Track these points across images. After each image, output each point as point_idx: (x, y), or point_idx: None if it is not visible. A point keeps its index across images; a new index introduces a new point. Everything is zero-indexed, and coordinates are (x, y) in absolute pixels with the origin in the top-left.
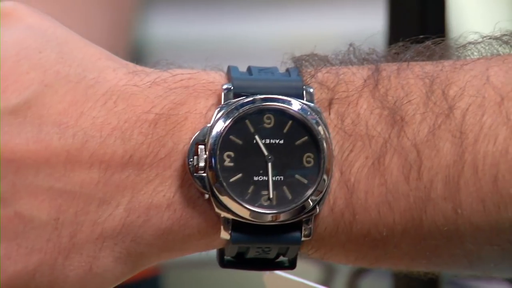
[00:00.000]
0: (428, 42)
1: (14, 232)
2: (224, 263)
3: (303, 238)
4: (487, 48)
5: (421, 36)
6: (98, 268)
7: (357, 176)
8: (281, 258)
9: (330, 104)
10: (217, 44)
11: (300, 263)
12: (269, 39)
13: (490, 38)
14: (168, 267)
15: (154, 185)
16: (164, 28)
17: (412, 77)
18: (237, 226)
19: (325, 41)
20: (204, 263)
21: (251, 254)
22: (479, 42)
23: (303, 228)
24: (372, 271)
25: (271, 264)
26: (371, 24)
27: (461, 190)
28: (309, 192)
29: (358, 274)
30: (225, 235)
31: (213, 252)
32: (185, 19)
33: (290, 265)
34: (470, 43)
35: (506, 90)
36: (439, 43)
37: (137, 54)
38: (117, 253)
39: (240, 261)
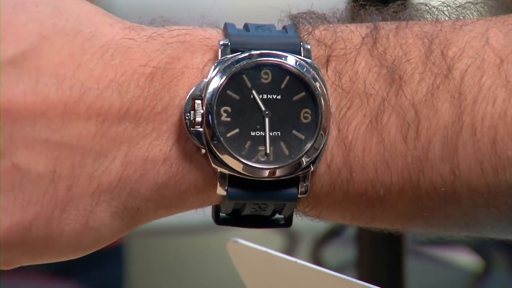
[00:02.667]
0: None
1: (11, 184)
2: (219, 220)
3: (299, 195)
4: (486, 8)
5: None
6: (95, 222)
7: (354, 134)
8: (277, 215)
9: (327, 61)
10: (183, 12)
11: (263, 232)
12: (236, 6)
13: None
14: (131, 236)
15: (151, 139)
16: None
17: (411, 36)
18: (234, 181)
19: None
20: (167, 231)
21: (247, 210)
22: (478, 2)
23: (299, 185)
24: (335, 240)
25: (266, 222)
26: None
27: (459, 152)
28: (306, 147)
29: (321, 243)
30: (221, 191)
31: (175, 219)
32: None
33: (286, 223)
34: (469, 2)
35: (506, 52)
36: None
37: None
38: (114, 207)
39: (236, 218)
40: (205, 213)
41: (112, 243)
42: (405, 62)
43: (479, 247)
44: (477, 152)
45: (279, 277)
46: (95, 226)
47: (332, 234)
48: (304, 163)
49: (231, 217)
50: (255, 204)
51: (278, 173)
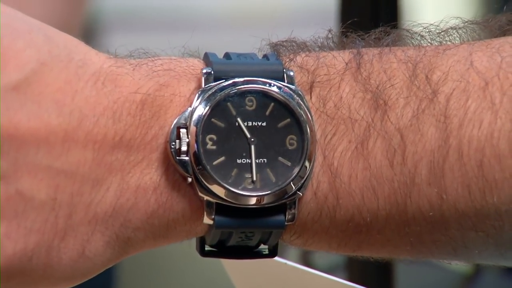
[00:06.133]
0: (403, 28)
1: (15, 211)
2: (204, 252)
3: (286, 223)
4: (468, 33)
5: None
6: (90, 252)
7: (340, 160)
8: (262, 246)
9: (311, 87)
10: (171, 14)
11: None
12: (223, 8)
13: (472, 23)
14: None
15: (142, 167)
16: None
17: (395, 61)
18: (221, 210)
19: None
20: None
21: (233, 240)
22: (460, 27)
23: (287, 212)
24: None
25: (251, 252)
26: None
27: (446, 175)
28: (293, 174)
29: None
30: (207, 220)
31: None
32: None
33: (271, 253)
34: (451, 28)
35: (490, 75)
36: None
37: (92, 26)
38: (107, 237)
39: (221, 250)
40: None
41: None
42: (389, 87)
43: None
44: (464, 175)
45: (269, 279)
46: (91, 255)
47: None
48: (291, 190)
49: (216, 249)
50: (242, 233)
51: (265, 200)
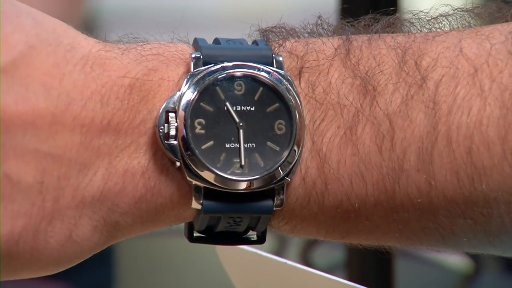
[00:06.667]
0: (397, 15)
1: (1, 194)
2: (193, 238)
3: (275, 208)
4: (458, 20)
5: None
6: (77, 236)
7: (329, 145)
8: (250, 233)
9: (300, 72)
10: (169, 13)
11: (253, 234)
12: (221, 7)
13: (462, 11)
14: None
15: (130, 151)
16: None
17: (384, 47)
18: (209, 194)
19: (275, 9)
20: (157, 233)
21: (221, 226)
22: (450, 15)
23: (275, 197)
24: (324, 242)
25: (240, 239)
26: None
27: (435, 162)
28: (281, 159)
29: (310, 244)
30: (196, 204)
31: None
32: None
33: (259, 240)
34: (441, 15)
35: (480, 62)
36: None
37: (90, 24)
38: (95, 221)
39: (209, 236)
40: None
41: None
42: (378, 72)
43: None
44: (453, 162)
45: (269, 278)
46: (78, 240)
47: None
48: (280, 174)
49: (204, 235)
50: (230, 218)
51: (254, 185)
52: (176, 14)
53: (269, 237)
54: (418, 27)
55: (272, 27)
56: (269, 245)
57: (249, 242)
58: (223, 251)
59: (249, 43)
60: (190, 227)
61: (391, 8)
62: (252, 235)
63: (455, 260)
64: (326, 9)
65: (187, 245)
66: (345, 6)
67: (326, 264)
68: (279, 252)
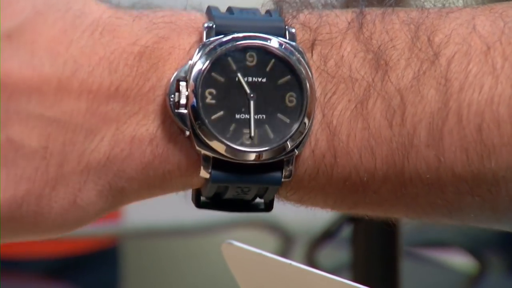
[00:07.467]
0: None
1: (4, 158)
2: (200, 203)
3: (283, 179)
4: None
5: None
6: (82, 200)
7: (339, 118)
8: (257, 200)
9: (312, 45)
10: None
11: (258, 234)
12: None
13: None
14: (125, 237)
15: (138, 118)
16: None
17: (397, 22)
18: (217, 164)
19: None
20: (162, 232)
21: (229, 194)
22: None
23: (283, 169)
24: (330, 242)
25: (247, 206)
26: None
27: (445, 138)
28: (291, 131)
29: (316, 245)
30: (204, 173)
31: (170, 221)
32: None
33: (266, 208)
34: None
35: (493, 40)
36: None
37: None
38: (100, 186)
39: (216, 202)
40: (200, 214)
41: (106, 245)
42: (391, 47)
43: (474, 249)
44: (463, 139)
45: (273, 279)
46: (82, 204)
47: (327, 236)
48: (289, 147)
49: (212, 201)
50: (238, 188)
51: (263, 156)
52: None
53: (274, 238)
54: (432, 2)
55: None
56: (274, 246)
57: (256, 209)
58: (228, 251)
59: (262, 13)
60: (197, 193)
61: None
62: (260, 202)
63: (460, 260)
64: None
65: (192, 246)
66: None
67: (332, 265)
68: (284, 253)
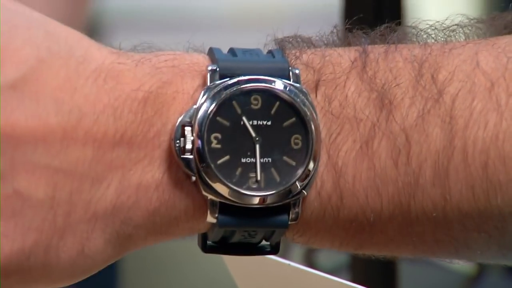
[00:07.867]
0: (412, 24)
1: (12, 209)
2: (206, 248)
3: (290, 222)
4: (474, 31)
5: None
6: (90, 250)
7: (344, 159)
8: (264, 242)
9: (316, 85)
10: (175, 14)
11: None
12: (226, 8)
13: (477, 21)
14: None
15: (143, 165)
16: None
17: (401, 60)
18: (224, 209)
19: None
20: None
21: (236, 238)
22: (465, 25)
23: (290, 211)
24: None
25: (254, 249)
26: None
27: (450, 176)
28: (298, 174)
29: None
30: (211, 218)
31: None
32: None
33: (273, 250)
34: (457, 25)
35: (496, 76)
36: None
37: (95, 25)
38: (108, 234)
39: (223, 246)
40: None
41: None
42: (395, 86)
43: None
44: (469, 176)
45: (272, 280)
46: (90, 253)
47: None
48: (297, 188)
49: (218, 245)
50: (244, 232)
51: (269, 200)
52: (181, 14)
53: None
54: (434, 37)
55: (288, 37)
56: None
57: (263, 252)
58: None
59: (264, 52)
60: (204, 237)
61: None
62: (267, 245)
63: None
64: (330, 9)
65: (191, 248)
66: (348, 3)
67: (330, 265)
68: (283, 254)
